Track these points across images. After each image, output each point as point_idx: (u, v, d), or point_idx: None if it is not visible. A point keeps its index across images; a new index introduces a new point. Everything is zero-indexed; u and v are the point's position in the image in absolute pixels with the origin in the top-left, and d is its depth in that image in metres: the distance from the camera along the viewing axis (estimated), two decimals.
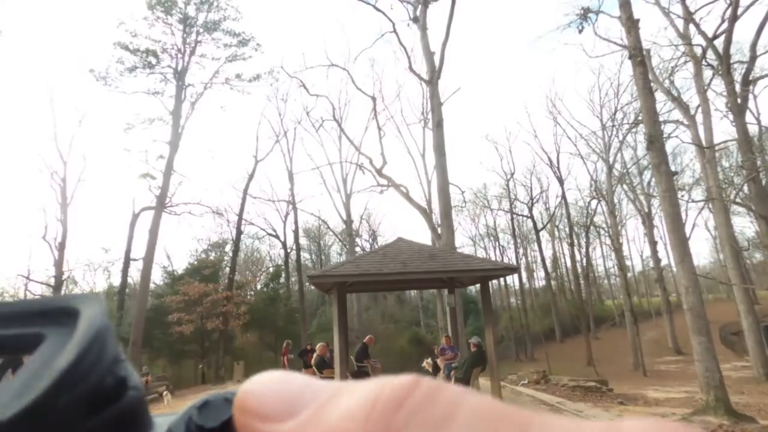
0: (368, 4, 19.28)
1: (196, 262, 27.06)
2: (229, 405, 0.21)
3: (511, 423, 0.14)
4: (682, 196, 18.88)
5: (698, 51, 16.98)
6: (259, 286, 31.85)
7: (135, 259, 24.77)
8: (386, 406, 0.16)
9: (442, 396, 0.16)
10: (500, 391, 8.06)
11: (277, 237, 32.16)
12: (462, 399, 0.16)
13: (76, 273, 28.18)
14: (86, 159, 27.66)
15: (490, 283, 8.92)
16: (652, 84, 12.13)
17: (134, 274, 28.51)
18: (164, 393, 13.45)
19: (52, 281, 23.22)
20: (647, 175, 30.07)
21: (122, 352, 0.21)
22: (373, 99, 23.08)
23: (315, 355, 9.77)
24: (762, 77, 16.95)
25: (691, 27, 17.12)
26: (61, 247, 22.77)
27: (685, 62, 18.61)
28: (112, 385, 0.20)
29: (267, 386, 0.19)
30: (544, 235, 40.08)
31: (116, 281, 27.16)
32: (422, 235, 46.66)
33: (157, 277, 29.08)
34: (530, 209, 36.00)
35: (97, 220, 54.55)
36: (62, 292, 23.39)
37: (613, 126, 28.77)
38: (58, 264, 22.68)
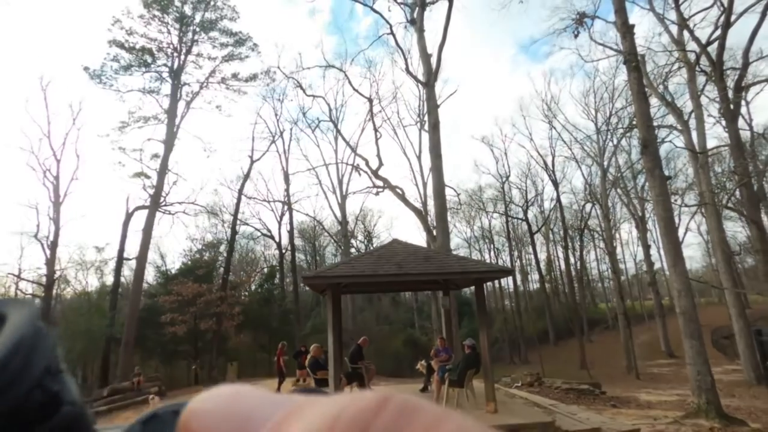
0: (365, 5, 19.34)
1: (189, 262, 26.91)
2: (178, 419, 0.18)
3: None
4: (675, 200, 19.07)
5: (692, 57, 17.16)
6: (253, 287, 31.73)
7: (128, 259, 24.59)
8: (348, 429, 0.13)
9: (416, 419, 0.14)
10: (494, 393, 8.08)
11: (272, 237, 32.08)
12: (439, 422, 0.13)
13: (68, 272, 27.92)
14: (80, 157, 27.43)
15: (484, 285, 8.96)
16: (646, 89, 12.24)
17: (127, 274, 28.31)
18: (151, 397, 13.22)
19: (43, 280, 23.00)
20: (641, 179, 30.31)
21: (59, 362, 0.19)
22: (370, 100, 23.11)
23: (309, 357, 9.75)
24: (754, 84, 17.14)
25: (685, 33, 17.30)
26: (53, 245, 22.56)
27: (679, 68, 18.79)
28: (42, 400, 0.18)
29: (215, 405, 0.17)
30: (539, 238, 40.28)
31: (109, 280, 26.94)
32: (417, 237, 46.68)
33: (150, 277, 28.89)
34: (525, 212, 36.15)
35: (91, 218, 54.25)
36: (54, 292, 23.19)
37: (608, 130, 28.99)
38: (50, 263, 22.47)
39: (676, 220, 16.42)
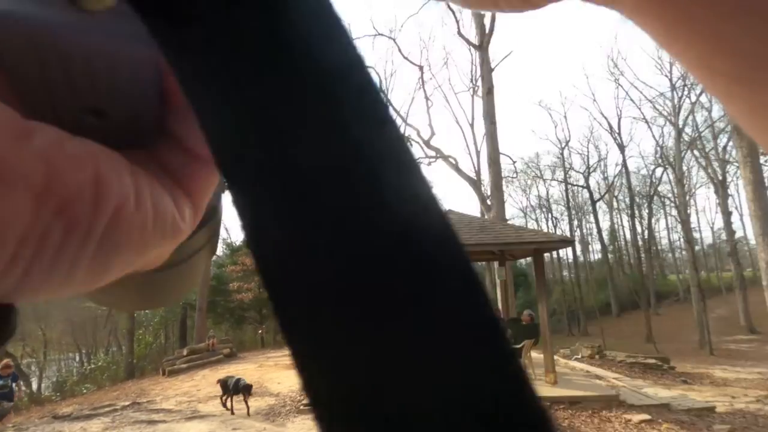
0: None
1: None
2: None
3: None
4: (767, 161, 16.96)
5: None
6: None
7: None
8: None
9: None
10: (553, 364, 7.94)
11: None
12: None
13: None
14: None
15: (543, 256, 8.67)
16: None
17: None
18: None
19: None
20: (723, 138, 27.24)
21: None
22: (420, 68, 22.52)
23: None
24: None
25: None
26: None
27: None
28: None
29: None
30: (601, 206, 38.01)
31: None
32: (471, 208, 45.89)
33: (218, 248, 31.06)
34: (586, 179, 34.16)
35: None
36: None
37: (685, 85, 26.15)
38: None
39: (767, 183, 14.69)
